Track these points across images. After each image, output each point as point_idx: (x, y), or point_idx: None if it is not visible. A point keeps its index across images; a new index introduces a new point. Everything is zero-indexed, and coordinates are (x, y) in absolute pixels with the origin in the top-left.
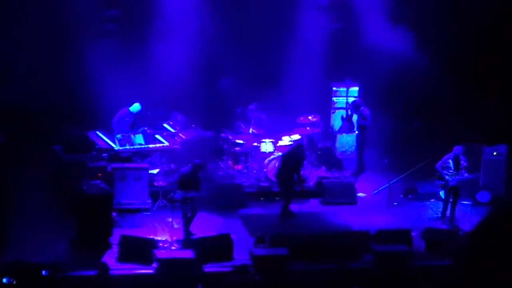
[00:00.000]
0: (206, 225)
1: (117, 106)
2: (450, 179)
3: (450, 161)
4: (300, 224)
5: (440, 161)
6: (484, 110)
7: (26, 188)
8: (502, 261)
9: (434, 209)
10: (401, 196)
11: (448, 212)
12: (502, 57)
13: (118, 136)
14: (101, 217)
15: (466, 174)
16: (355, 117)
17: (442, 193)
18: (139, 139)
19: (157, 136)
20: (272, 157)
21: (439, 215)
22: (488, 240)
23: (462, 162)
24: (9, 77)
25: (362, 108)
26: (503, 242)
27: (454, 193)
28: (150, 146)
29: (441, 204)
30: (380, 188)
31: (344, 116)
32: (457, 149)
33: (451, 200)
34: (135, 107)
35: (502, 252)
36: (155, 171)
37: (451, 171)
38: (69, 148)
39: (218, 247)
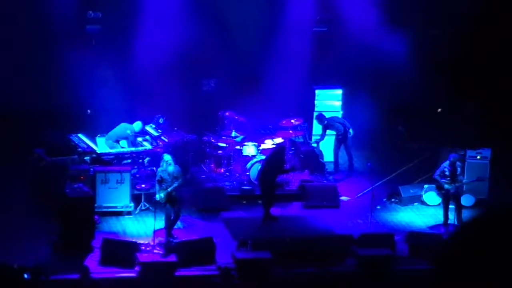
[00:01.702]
0: (188, 229)
1: (99, 109)
2: (449, 187)
3: (447, 169)
4: (282, 228)
5: (436, 171)
6: (468, 113)
7: (8, 191)
8: (484, 261)
9: (418, 213)
10: (384, 199)
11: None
12: (486, 59)
13: (108, 141)
14: (83, 220)
15: (464, 180)
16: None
17: (437, 199)
18: (122, 143)
19: (140, 139)
20: (254, 160)
21: (441, 223)
22: (470, 241)
23: (458, 169)
24: None
25: (325, 121)
26: (484, 242)
27: (455, 200)
28: (133, 149)
29: (424, 208)
30: (363, 192)
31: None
32: (452, 156)
33: (451, 207)
34: (138, 125)
35: (484, 252)
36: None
37: (448, 179)
38: (51, 151)
39: (201, 250)
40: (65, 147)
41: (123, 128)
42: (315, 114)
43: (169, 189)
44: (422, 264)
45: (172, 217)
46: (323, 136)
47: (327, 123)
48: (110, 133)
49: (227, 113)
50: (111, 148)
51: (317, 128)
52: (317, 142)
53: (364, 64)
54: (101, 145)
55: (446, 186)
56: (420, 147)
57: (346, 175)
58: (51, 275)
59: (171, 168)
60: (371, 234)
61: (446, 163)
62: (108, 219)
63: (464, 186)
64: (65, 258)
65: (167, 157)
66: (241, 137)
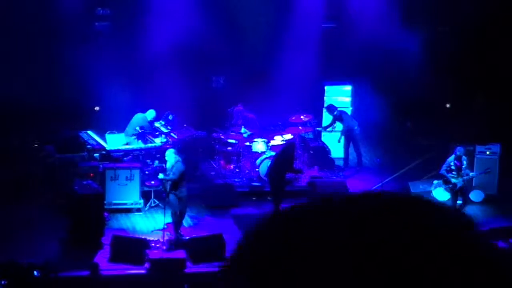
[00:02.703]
0: (198, 225)
1: (109, 106)
2: (456, 181)
3: (453, 163)
4: None
5: (442, 166)
6: (477, 109)
7: (17, 187)
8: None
9: None
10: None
11: None
12: (495, 55)
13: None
14: (92, 217)
15: (471, 174)
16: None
17: (447, 195)
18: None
19: (149, 136)
20: (264, 156)
21: None
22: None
23: (464, 162)
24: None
25: (336, 112)
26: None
27: (462, 194)
28: (142, 146)
29: None
30: (373, 188)
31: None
32: (458, 150)
33: (459, 202)
34: (151, 113)
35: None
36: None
37: (454, 173)
38: (60, 148)
39: (210, 247)
40: (75, 144)
41: (138, 118)
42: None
43: (167, 186)
44: None
45: (178, 213)
46: (332, 126)
47: (337, 114)
48: (128, 128)
49: (238, 107)
50: (130, 144)
51: (326, 122)
52: (325, 128)
53: (373, 60)
54: (111, 142)
55: (453, 180)
56: (429, 143)
57: (355, 171)
58: (60, 272)
59: (168, 165)
60: None
61: (452, 157)
62: (118, 216)
63: (474, 181)
64: (74, 255)
65: (166, 153)
66: (249, 133)
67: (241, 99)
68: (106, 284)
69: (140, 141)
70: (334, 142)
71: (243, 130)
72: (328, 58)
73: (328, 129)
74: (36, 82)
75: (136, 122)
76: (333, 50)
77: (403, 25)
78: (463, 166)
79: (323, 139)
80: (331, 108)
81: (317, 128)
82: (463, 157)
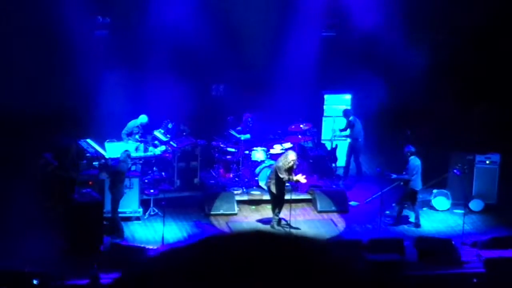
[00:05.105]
0: (197, 234)
1: (109, 114)
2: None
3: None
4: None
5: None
6: (477, 118)
7: (16, 196)
8: None
9: (427, 218)
10: (394, 204)
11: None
12: (496, 63)
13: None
14: (92, 226)
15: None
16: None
17: (442, 205)
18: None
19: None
20: (263, 165)
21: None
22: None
23: (409, 162)
24: None
25: (352, 118)
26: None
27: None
28: (142, 154)
29: (433, 213)
30: (373, 197)
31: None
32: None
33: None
34: (143, 118)
35: None
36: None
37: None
38: (60, 156)
39: None
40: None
41: (131, 124)
42: (324, 118)
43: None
44: (431, 269)
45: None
46: (346, 130)
47: (353, 121)
48: (122, 135)
49: (247, 115)
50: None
51: (326, 132)
52: (341, 131)
53: (373, 69)
54: (110, 150)
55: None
56: (429, 152)
57: (355, 181)
58: (60, 280)
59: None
60: (380, 239)
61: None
62: None
63: (473, 190)
64: (74, 263)
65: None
66: (244, 138)
67: (241, 108)
68: None
69: (137, 145)
70: (340, 151)
71: (242, 137)
72: (327, 66)
73: (343, 133)
74: (35, 90)
75: (129, 128)
76: (332, 59)
77: (403, 33)
78: (407, 166)
79: (333, 146)
80: (347, 113)
81: (334, 134)
82: (412, 157)
